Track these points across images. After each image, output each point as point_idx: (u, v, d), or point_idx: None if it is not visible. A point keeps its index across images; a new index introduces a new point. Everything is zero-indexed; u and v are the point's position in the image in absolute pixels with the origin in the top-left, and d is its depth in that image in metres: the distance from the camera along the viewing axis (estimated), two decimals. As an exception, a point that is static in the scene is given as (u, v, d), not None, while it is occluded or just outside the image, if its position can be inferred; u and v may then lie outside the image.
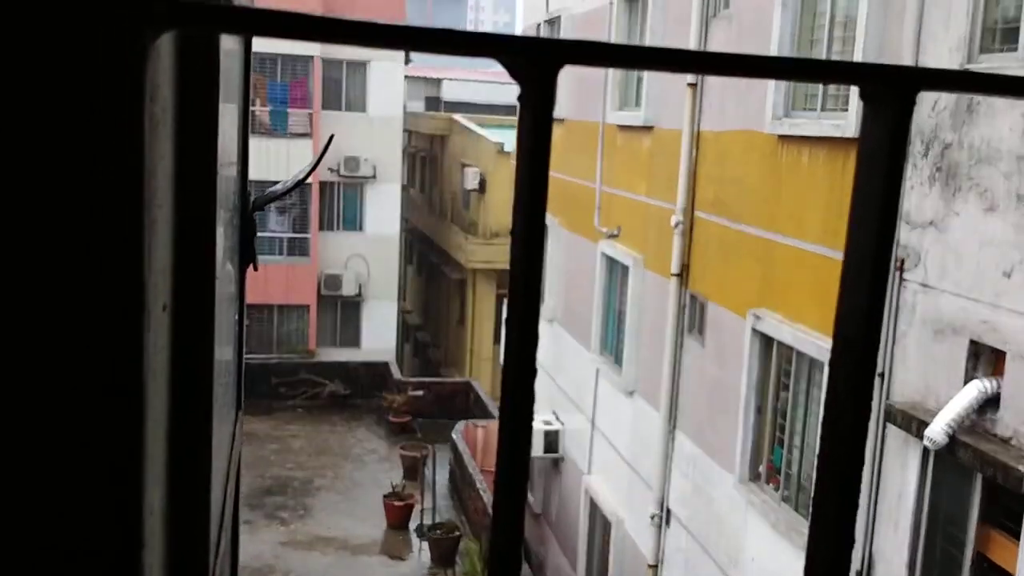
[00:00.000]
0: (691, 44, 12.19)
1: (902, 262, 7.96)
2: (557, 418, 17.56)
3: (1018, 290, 6.76)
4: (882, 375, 8.13)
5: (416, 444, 22.76)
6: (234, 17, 0.66)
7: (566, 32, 17.44)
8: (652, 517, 13.12)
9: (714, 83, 11.71)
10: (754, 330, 10.51)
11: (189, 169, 1.19)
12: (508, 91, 35.40)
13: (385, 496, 20.03)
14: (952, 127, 7.48)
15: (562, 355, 17.54)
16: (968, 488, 7.31)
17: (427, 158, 36.50)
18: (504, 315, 0.62)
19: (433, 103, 42.31)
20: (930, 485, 7.74)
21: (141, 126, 0.69)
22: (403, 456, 22.37)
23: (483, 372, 28.60)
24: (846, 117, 8.87)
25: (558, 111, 16.79)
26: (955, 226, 7.45)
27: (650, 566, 13.25)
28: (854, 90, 0.74)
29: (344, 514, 20.22)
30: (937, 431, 7.08)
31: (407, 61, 30.99)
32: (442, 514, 19.79)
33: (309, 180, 26.38)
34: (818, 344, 9.16)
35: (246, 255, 2.54)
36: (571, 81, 16.81)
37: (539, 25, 19.02)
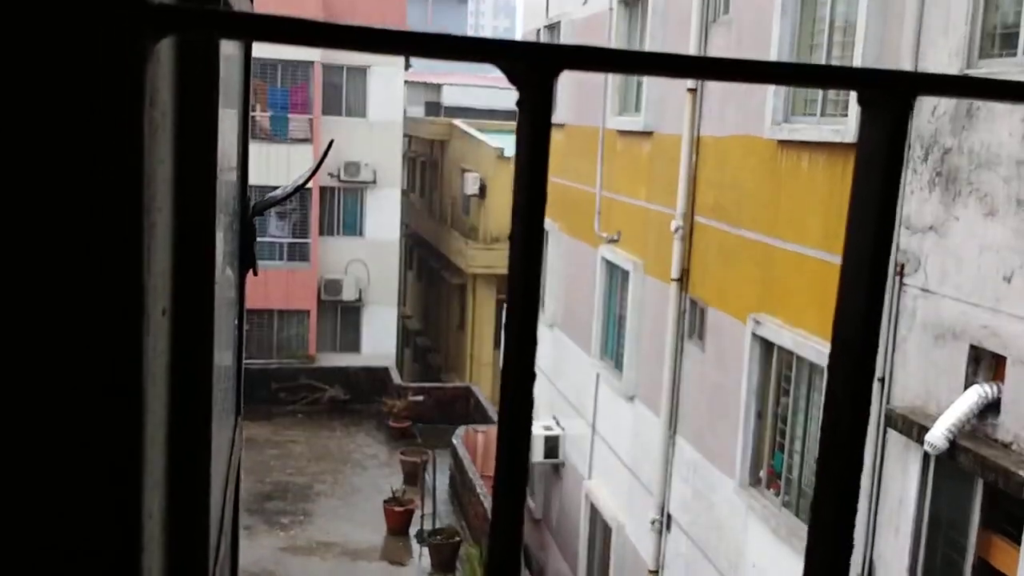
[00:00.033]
0: (691, 49, 12.20)
1: (902, 267, 7.97)
2: (557, 423, 17.55)
3: (1018, 295, 6.76)
4: (882, 380, 8.13)
5: (416, 449, 22.75)
6: (233, 22, 0.66)
7: (566, 37, 17.45)
8: (652, 522, 13.11)
9: (714, 88, 11.72)
10: (754, 335, 10.51)
11: (189, 173, 1.19)
12: (508, 96, 35.41)
13: (385, 501, 20.02)
14: (952, 132, 7.48)
15: (562, 360, 17.53)
16: (969, 493, 7.30)
17: (427, 163, 36.51)
18: (504, 320, 0.62)
19: (433, 108, 42.34)
20: (931, 490, 7.74)
21: (141, 130, 0.70)
22: (403, 461, 22.35)
23: (483, 377, 28.59)
24: (846, 122, 8.88)
25: (558, 116, 16.82)
26: (955, 231, 7.45)
27: (651, 571, 13.23)
28: (854, 95, 0.75)
29: (344, 519, 20.21)
30: (938, 436, 7.07)
31: (407, 66, 31.02)
32: (442, 519, 19.77)
33: (309, 185, 26.42)
34: (818, 349, 9.16)
35: (246, 260, 2.54)
36: (571, 86, 16.83)
37: (539, 30, 19.03)
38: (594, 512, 15.58)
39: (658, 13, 13.55)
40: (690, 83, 11.92)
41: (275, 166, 26.52)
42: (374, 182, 29.82)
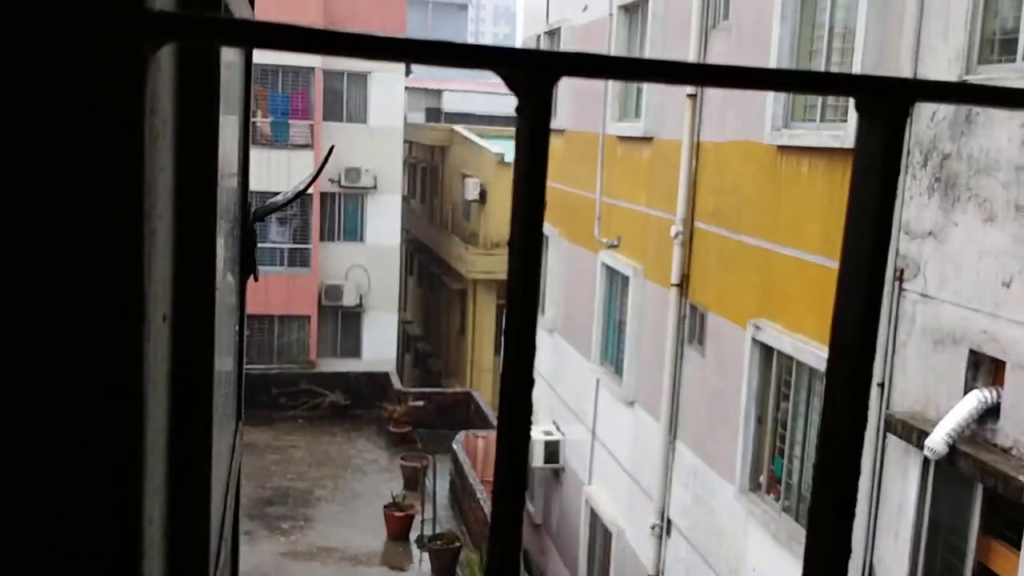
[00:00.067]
0: (691, 55, 12.21)
1: (901, 272, 7.97)
2: (558, 428, 17.54)
3: (1017, 300, 6.76)
4: (882, 385, 8.13)
5: (416, 454, 22.74)
6: (234, 29, 0.67)
7: (566, 43, 17.47)
8: (653, 527, 13.10)
9: (714, 94, 11.74)
10: (754, 340, 10.51)
11: (190, 180, 1.19)
12: (508, 102, 35.45)
13: (385, 507, 20.00)
14: (951, 138, 7.49)
15: (562, 365, 17.53)
16: (969, 498, 7.30)
17: (428, 169, 36.53)
18: (504, 326, 0.63)
19: (434, 114, 42.38)
20: (930, 495, 7.73)
21: (141, 138, 0.70)
22: (403, 466, 22.34)
23: (484, 382, 28.58)
24: (845, 128, 8.89)
25: (558, 122, 16.84)
26: (954, 236, 7.45)
27: (651, 577, 13.23)
28: (852, 101, 0.75)
29: (344, 525, 20.19)
30: (937, 441, 7.07)
31: (408, 72, 31.05)
32: (442, 524, 19.76)
33: (310, 191, 26.43)
34: (818, 354, 9.15)
35: (247, 266, 2.54)
36: (571, 92, 16.85)
37: (539, 36, 19.06)
38: (594, 517, 15.57)
39: (658, 19, 13.57)
40: (690, 89, 11.93)
41: (276, 172, 26.55)
42: (375, 188, 29.84)
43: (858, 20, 8.71)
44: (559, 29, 17.80)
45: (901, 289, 7.99)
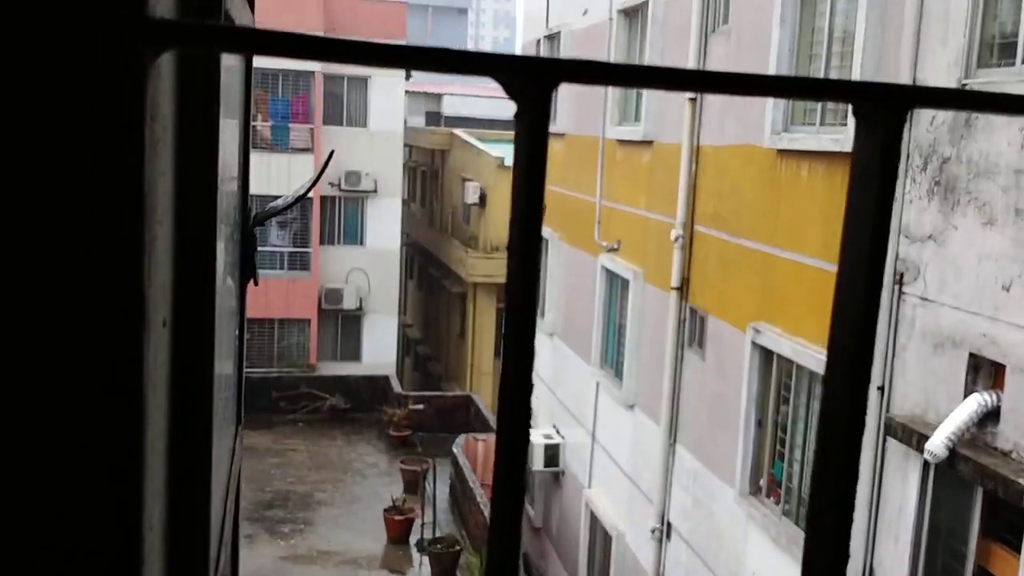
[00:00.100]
0: (690, 59, 12.22)
1: (901, 276, 7.97)
2: (558, 432, 17.54)
3: (1017, 304, 6.77)
4: (882, 388, 8.13)
5: (416, 458, 22.73)
6: (234, 36, 0.67)
7: (566, 47, 17.48)
8: (653, 531, 13.10)
9: (713, 98, 11.74)
10: (754, 343, 10.51)
11: (190, 185, 1.19)
12: (508, 106, 35.31)
13: (385, 510, 20.00)
14: (950, 141, 7.50)
15: (562, 369, 17.53)
16: (968, 501, 7.30)
17: (428, 172, 36.55)
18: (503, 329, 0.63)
19: (434, 118, 42.38)
20: (931, 498, 7.73)
21: (142, 144, 0.70)
22: (403, 470, 22.33)
23: (483, 386, 28.57)
24: (845, 132, 8.89)
25: (558, 126, 16.85)
26: (954, 240, 7.46)
27: (651, 580, 13.22)
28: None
29: (344, 528, 20.18)
30: (937, 444, 7.07)
31: (408, 76, 31.07)
32: (442, 528, 19.75)
33: (310, 195, 26.42)
34: (818, 357, 9.15)
35: (247, 270, 2.54)
36: (571, 96, 16.86)
37: (539, 41, 19.07)
38: (594, 520, 15.56)
39: (658, 23, 13.58)
40: (690, 93, 11.92)
41: (276, 176, 26.55)
42: (375, 191, 29.85)
43: (857, 24, 8.72)
44: (559, 33, 17.82)
45: (901, 292, 7.99)
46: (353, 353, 30.29)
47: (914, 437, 7.56)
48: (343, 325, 30.25)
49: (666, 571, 13.02)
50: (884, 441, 8.12)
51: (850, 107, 0.74)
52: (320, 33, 30.51)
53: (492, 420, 24.09)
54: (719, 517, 11.43)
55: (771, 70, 10.14)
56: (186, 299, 1.19)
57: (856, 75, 8.65)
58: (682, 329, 12.56)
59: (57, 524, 0.73)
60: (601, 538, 15.33)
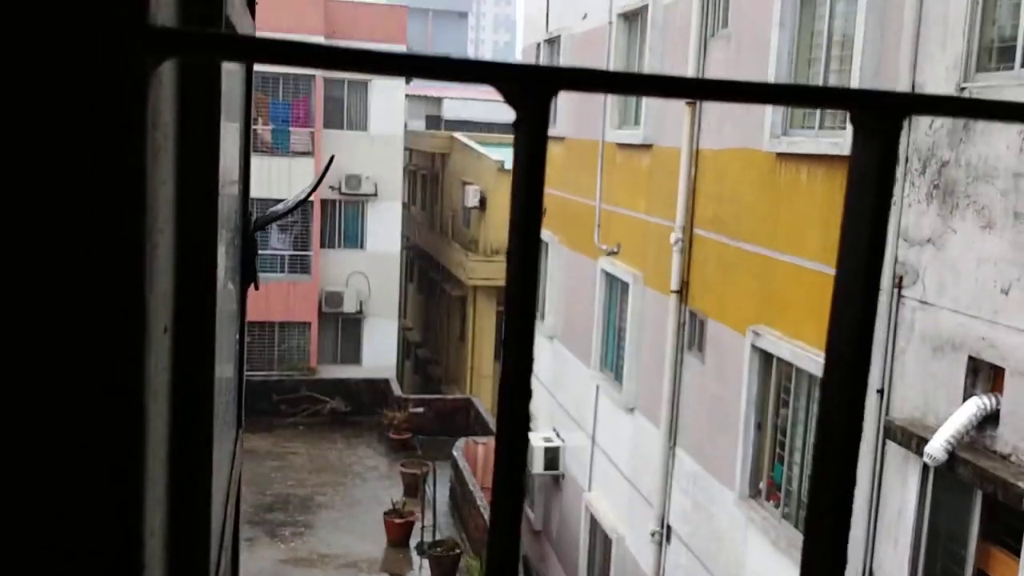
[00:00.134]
0: (690, 63, 12.23)
1: (900, 279, 7.98)
2: (557, 435, 17.53)
3: (1016, 307, 6.77)
4: (881, 391, 8.13)
5: (416, 461, 22.72)
6: (235, 45, 0.67)
7: (566, 51, 17.50)
8: (652, 534, 13.09)
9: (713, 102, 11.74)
10: (753, 347, 10.52)
11: (191, 192, 1.20)
12: (508, 109, 35.34)
13: (385, 513, 19.98)
14: (949, 145, 7.50)
15: (562, 372, 17.53)
16: (968, 505, 7.30)
17: (428, 176, 36.56)
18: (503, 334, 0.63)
19: (434, 121, 42.40)
20: (930, 502, 7.73)
21: (143, 154, 0.71)
22: (403, 473, 22.32)
23: (483, 389, 28.56)
24: (844, 135, 8.90)
25: (558, 130, 16.86)
26: (953, 243, 7.46)
27: (651, 584, 13.21)
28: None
29: (345, 531, 20.17)
30: (937, 448, 7.07)
31: (408, 80, 31.07)
32: (442, 531, 19.74)
33: (310, 198, 26.45)
34: (817, 360, 9.15)
35: (247, 274, 2.55)
36: (571, 100, 16.86)
37: (539, 44, 19.08)
38: (594, 524, 15.56)
39: (657, 27, 13.59)
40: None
41: (276, 179, 26.57)
42: (375, 195, 29.86)
43: (856, 28, 8.72)
44: (559, 37, 17.83)
45: (900, 296, 7.99)
46: (353, 356, 30.29)
47: (913, 440, 7.56)
48: (343, 328, 30.25)
49: (666, 574, 13.01)
50: (884, 444, 8.12)
51: (848, 114, 0.74)
52: (320, 37, 30.51)
53: (492, 423, 24.08)
54: (719, 520, 11.42)
55: (770, 74, 10.15)
56: (187, 305, 1.19)
57: (855, 79, 8.66)
58: (682, 332, 12.56)
59: (57, 524, 0.73)
60: (601, 541, 15.32)
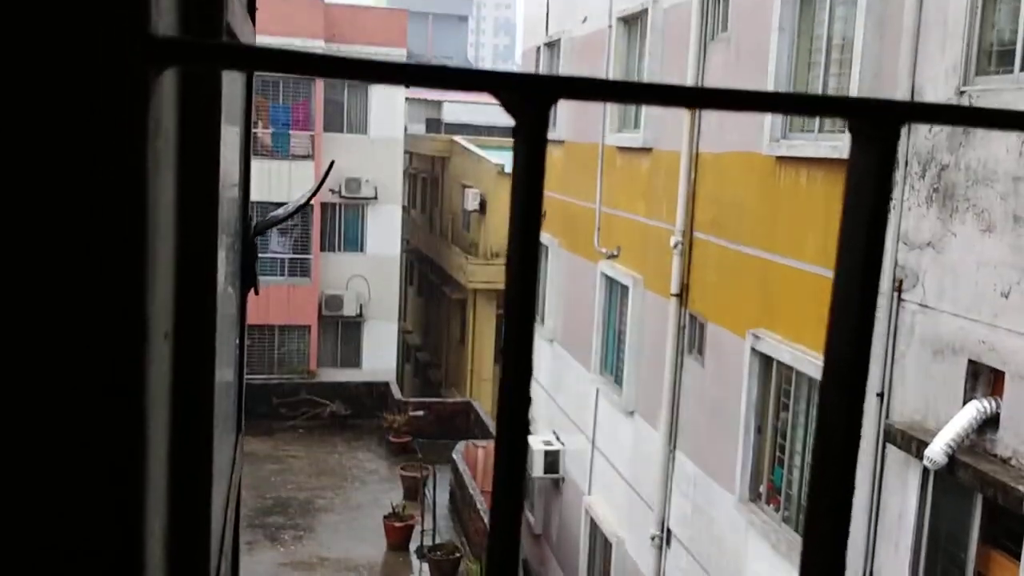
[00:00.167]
0: (690, 67, 12.24)
1: (900, 282, 7.98)
2: (557, 438, 17.53)
3: (1016, 310, 6.77)
4: (881, 395, 8.14)
5: (416, 464, 22.72)
6: (236, 54, 0.68)
7: (565, 55, 17.51)
8: (653, 538, 13.09)
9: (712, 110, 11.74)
10: (753, 350, 10.52)
11: (191, 199, 1.20)
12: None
13: (385, 517, 19.98)
14: (949, 148, 7.51)
15: (562, 375, 17.53)
16: (968, 508, 7.30)
17: (428, 179, 36.58)
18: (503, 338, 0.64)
19: (434, 125, 42.42)
20: (930, 505, 7.73)
21: (145, 164, 0.71)
22: (403, 476, 22.32)
23: (483, 392, 28.57)
24: (843, 139, 8.90)
25: (558, 133, 16.87)
26: (953, 247, 7.47)
27: (651, 587, 13.21)
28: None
29: (344, 535, 20.17)
30: (937, 451, 7.07)
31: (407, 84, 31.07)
32: (442, 535, 19.73)
33: (310, 202, 26.46)
34: (817, 364, 9.15)
35: (247, 279, 2.55)
36: (571, 104, 16.79)
37: (539, 48, 19.10)
38: (594, 527, 15.55)
39: (657, 31, 13.60)
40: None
41: (277, 183, 26.58)
42: (375, 198, 29.88)
43: (856, 31, 8.73)
44: (559, 41, 17.84)
45: (900, 299, 8.00)
46: (353, 359, 30.30)
47: (913, 444, 7.56)
48: (343, 331, 30.26)
49: (666, 578, 13.01)
50: (884, 448, 8.12)
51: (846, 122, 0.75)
52: (320, 41, 30.46)
53: (492, 426, 24.08)
54: (719, 524, 11.42)
55: (770, 77, 10.16)
56: (188, 311, 1.19)
57: (855, 82, 8.67)
58: (682, 335, 12.57)
59: (57, 524, 0.73)
60: (601, 545, 15.32)
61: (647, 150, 13.85)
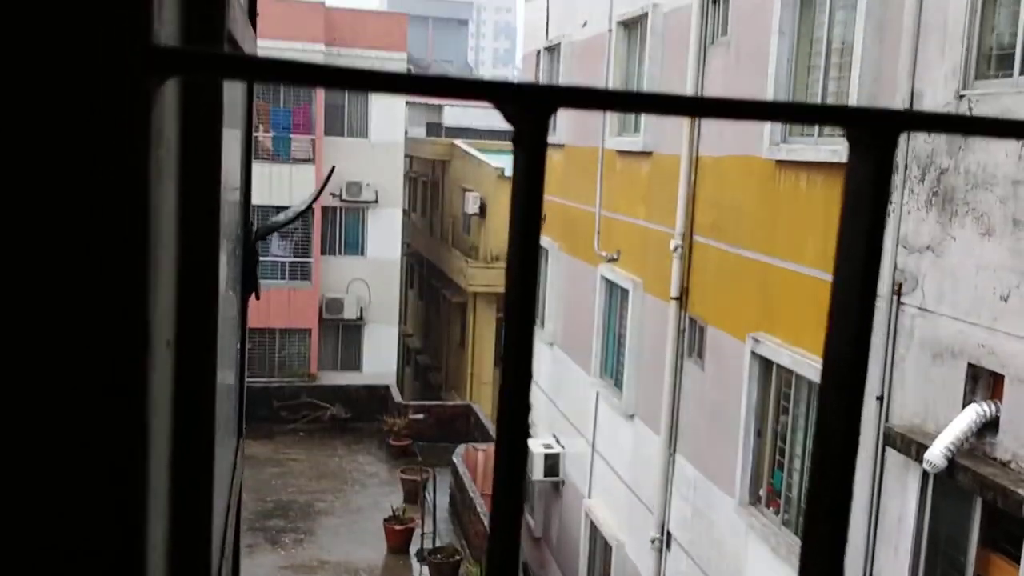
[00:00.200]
0: (690, 70, 12.25)
1: (900, 286, 7.98)
2: (557, 441, 17.53)
3: (1015, 314, 6.78)
4: (881, 398, 8.14)
5: (416, 467, 22.71)
6: (237, 64, 0.68)
7: (565, 58, 17.52)
8: (653, 541, 13.09)
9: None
10: (753, 353, 10.52)
11: (193, 208, 1.20)
12: (508, 115, 35.35)
13: (385, 520, 19.98)
14: (948, 152, 7.52)
15: (562, 379, 17.53)
16: (968, 511, 7.30)
17: (428, 183, 36.60)
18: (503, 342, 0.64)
19: (434, 129, 42.46)
20: (930, 508, 7.73)
21: (147, 173, 0.71)
22: (403, 480, 22.31)
23: (483, 395, 28.57)
24: (843, 143, 8.89)
25: (558, 137, 16.88)
26: (952, 250, 7.47)
27: (651, 591, 13.20)
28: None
29: (345, 538, 20.17)
30: (936, 454, 7.07)
31: (408, 87, 31.10)
32: (442, 538, 19.73)
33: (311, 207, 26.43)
34: (817, 367, 9.14)
35: (248, 284, 2.55)
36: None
37: (539, 52, 19.11)
38: (594, 530, 15.55)
39: (657, 35, 13.61)
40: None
41: (277, 186, 26.59)
42: (376, 202, 29.89)
43: (856, 35, 8.74)
44: (559, 45, 17.85)
45: (899, 303, 8.00)
46: (354, 363, 30.30)
47: (913, 447, 7.56)
48: (344, 335, 30.26)
49: (666, 581, 13.01)
50: (883, 451, 8.12)
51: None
52: (321, 46, 30.41)
53: (492, 429, 24.07)
54: (719, 527, 11.42)
55: (770, 81, 10.17)
56: (189, 319, 1.20)
57: (854, 85, 8.67)
58: (681, 339, 12.57)
59: (57, 524, 0.74)
60: (601, 548, 15.32)
61: (647, 154, 13.86)
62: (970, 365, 7.23)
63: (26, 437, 0.72)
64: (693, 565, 12.17)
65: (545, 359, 18.09)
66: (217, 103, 1.47)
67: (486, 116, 41.98)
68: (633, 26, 14.76)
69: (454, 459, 21.99)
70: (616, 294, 15.08)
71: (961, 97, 7.38)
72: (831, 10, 9.47)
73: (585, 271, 16.31)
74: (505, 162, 28.42)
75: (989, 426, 6.99)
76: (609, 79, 15.15)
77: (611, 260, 14.93)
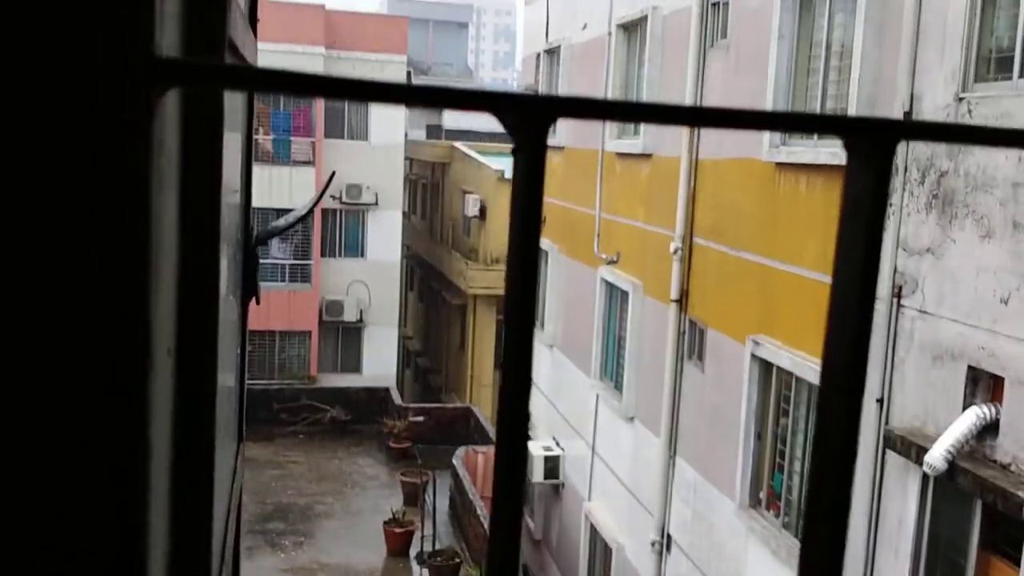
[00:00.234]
0: (689, 73, 12.25)
1: (900, 288, 7.99)
2: (557, 444, 17.53)
3: (1015, 316, 6.78)
4: (881, 401, 8.14)
5: (416, 470, 22.71)
6: (237, 75, 0.69)
7: (565, 61, 17.53)
8: (653, 543, 13.08)
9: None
10: (753, 356, 10.52)
11: (193, 215, 1.21)
12: (508, 118, 35.36)
13: (385, 522, 19.97)
14: (948, 155, 7.52)
15: (562, 381, 17.53)
16: (968, 514, 7.30)
17: (428, 185, 36.61)
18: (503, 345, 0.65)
19: (434, 131, 42.47)
20: (930, 511, 7.73)
21: (148, 183, 0.72)
22: (403, 482, 22.31)
23: (483, 398, 28.56)
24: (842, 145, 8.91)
25: (558, 139, 16.88)
26: (952, 253, 7.48)
27: (651, 593, 13.20)
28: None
29: (344, 540, 20.16)
30: (936, 457, 7.08)
31: (408, 89, 31.11)
32: (442, 540, 19.72)
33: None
34: (817, 369, 9.13)
35: (248, 289, 2.56)
36: (570, 108, 16.85)
37: (539, 55, 19.12)
38: (594, 533, 15.55)
39: (656, 38, 13.62)
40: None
41: (277, 189, 26.59)
42: (376, 204, 29.90)
43: (855, 38, 8.74)
44: (559, 47, 17.86)
45: (899, 305, 8.00)
46: (353, 365, 30.30)
47: (913, 450, 7.56)
48: (344, 337, 30.26)
49: (666, 584, 13.00)
50: (883, 454, 8.12)
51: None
52: (321, 49, 30.34)
53: (492, 432, 24.06)
54: (719, 529, 11.42)
55: (769, 84, 10.17)
56: (190, 325, 1.20)
57: (854, 88, 8.68)
58: (681, 341, 12.57)
59: (57, 524, 0.74)
60: (601, 551, 15.31)
61: (647, 156, 13.87)
62: (970, 367, 7.23)
63: (26, 437, 0.72)
64: (693, 568, 12.17)
65: (545, 361, 18.09)
66: (218, 112, 1.47)
67: (486, 118, 41.88)
68: (633, 29, 14.76)
69: (454, 461, 21.99)
70: (616, 296, 15.09)
71: (960, 100, 7.38)
72: (831, 13, 9.48)
73: (585, 273, 16.31)
74: (505, 164, 28.43)
75: (989, 429, 6.99)
76: (609, 82, 15.16)
77: (611, 262, 14.94)
